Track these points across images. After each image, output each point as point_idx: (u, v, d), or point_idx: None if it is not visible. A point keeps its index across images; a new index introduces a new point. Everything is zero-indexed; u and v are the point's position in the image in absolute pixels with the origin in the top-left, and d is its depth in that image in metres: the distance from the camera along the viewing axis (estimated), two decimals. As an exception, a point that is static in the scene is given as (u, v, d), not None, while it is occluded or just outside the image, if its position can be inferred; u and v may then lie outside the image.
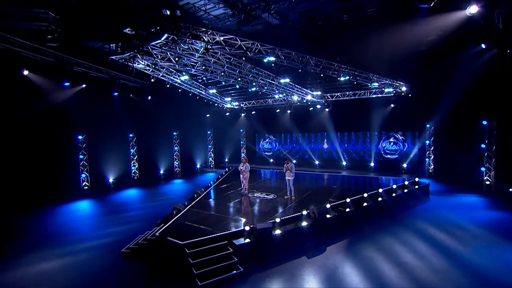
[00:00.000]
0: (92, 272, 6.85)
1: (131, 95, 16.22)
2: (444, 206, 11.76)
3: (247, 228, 7.56)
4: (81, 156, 15.33)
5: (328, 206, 9.41)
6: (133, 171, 18.56)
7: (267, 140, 26.24)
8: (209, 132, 24.97)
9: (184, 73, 12.27)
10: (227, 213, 9.81)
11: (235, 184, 14.06)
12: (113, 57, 9.37)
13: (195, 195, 12.07)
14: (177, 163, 21.64)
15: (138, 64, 10.59)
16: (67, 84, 11.17)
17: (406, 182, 12.94)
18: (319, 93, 16.98)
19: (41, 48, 9.66)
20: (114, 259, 7.55)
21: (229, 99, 21.03)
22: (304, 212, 8.83)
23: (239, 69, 11.29)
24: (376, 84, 14.96)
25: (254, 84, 13.45)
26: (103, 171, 16.53)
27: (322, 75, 11.21)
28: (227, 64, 10.78)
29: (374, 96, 18.16)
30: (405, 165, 18.83)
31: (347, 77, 12.56)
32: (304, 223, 8.59)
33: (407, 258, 7.16)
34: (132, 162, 18.51)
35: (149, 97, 16.82)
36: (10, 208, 11.81)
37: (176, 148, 21.55)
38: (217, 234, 7.37)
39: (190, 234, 7.45)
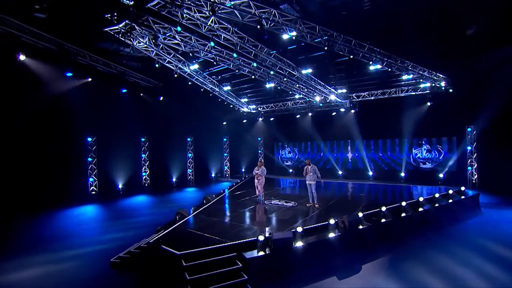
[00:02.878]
0: (69, 286, 5.64)
1: (141, 94, 15.48)
2: (503, 220, 9.66)
3: (261, 237, 6.11)
4: (89, 159, 14.65)
5: (360, 215, 7.77)
6: (144, 177, 17.69)
7: (286, 149, 24.76)
8: (225, 140, 23.92)
9: (193, 62, 11.27)
10: (239, 221, 8.40)
11: (250, 192, 12.70)
12: (107, 29, 8.56)
13: (205, 201, 10.82)
14: (190, 170, 20.61)
15: (139, 43, 9.64)
16: (69, 74, 10.47)
17: (451, 191, 10.95)
18: (344, 91, 15.30)
19: (43, 34, 9.05)
20: (101, 269, 6.33)
21: (246, 100, 19.82)
22: (332, 221, 7.26)
23: (255, 52, 9.93)
24: (411, 76, 13.24)
25: (272, 73, 11.88)
26: (113, 175, 15.75)
27: (351, 56, 9.71)
28: (241, 43, 9.34)
29: (405, 94, 16.21)
30: (441, 175, 16.57)
31: (379, 65, 10.95)
32: (332, 234, 7.00)
33: (475, 283, 5.36)
34: (143, 168, 17.68)
35: (161, 98, 16.07)
36: (11, 210, 11.08)
37: (190, 154, 20.60)
38: (224, 244, 5.98)
39: (192, 243, 6.12)
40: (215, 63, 9.87)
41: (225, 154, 23.94)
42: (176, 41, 9.14)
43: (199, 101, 18.89)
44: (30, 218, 11.00)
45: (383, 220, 8.09)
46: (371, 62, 10.46)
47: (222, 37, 8.76)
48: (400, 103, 16.23)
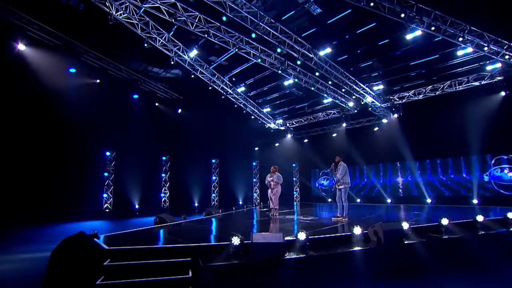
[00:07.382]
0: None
1: (156, 104, 15.06)
2: None
3: (236, 240, 4.01)
4: (106, 174, 14.15)
5: (405, 225, 5.11)
6: (163, 199, 16.59)
7: (323, 176, 21.96)
8: (254, 164, 22.19)
9: (192, 47, 10.16)
10: (228, 228, 6.33)
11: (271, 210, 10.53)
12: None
13: (205, 213, 8.99)
14: (214, 195, 19.03)
15: (118, 12, 8.63)
16: (72, 70, 10.21)
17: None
18: (380, 87, 12.32)
19: (50, 30, 9.09)
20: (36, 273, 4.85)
21: (268, 109, 18.10)
22: (357, 231, 4.81)
23: (252, 19, 8.17)
24: (470, 50, 9.15)
25: (279, 51, 9.88)
26: (129, 194, 14.86)
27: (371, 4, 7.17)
28: (230, 3, 7.44)
29: (465, 87, 12.07)
30: (538, 202, 12.06)
31: (419, 31, 7.79)
32: (357, 248, 4.51)
33: None
34: (163, 189, 16.68)
35: (179, 110, 15.49)
36: (15, 218, 10.57)
37: (214, 178, 19.21)
38: (175, 245, 4.03)
39: (142, 242, 4.30)
40: (206, 36, 8.55)
41: (255, 180, 22.00)
42: (157, 5, 7.93)
43: (225, 120, 18.01)
44: (28, 227, 10.35)
45: (445, 237, 5.23)
46: (402, 15, 7.30)
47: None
48: (460, 102, 12.38)
